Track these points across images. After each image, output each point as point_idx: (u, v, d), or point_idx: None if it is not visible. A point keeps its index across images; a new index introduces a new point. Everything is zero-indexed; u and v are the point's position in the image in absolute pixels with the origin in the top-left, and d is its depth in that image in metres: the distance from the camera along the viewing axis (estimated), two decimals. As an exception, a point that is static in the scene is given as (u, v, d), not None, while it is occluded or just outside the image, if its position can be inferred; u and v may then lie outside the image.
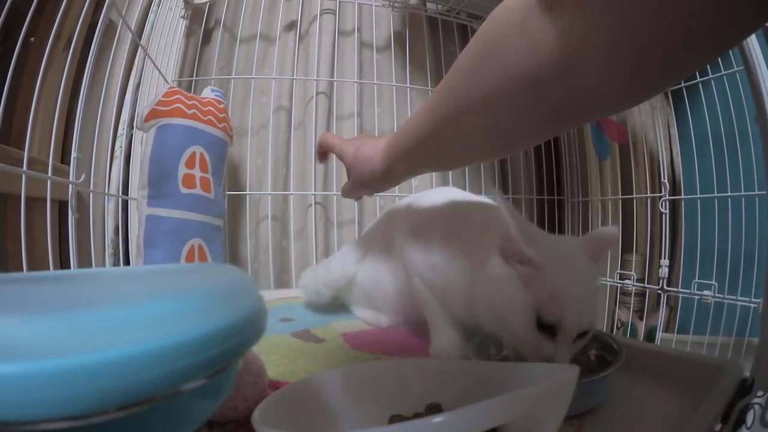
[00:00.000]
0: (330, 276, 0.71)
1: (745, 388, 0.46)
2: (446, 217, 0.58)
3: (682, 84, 1.08)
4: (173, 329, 0.20)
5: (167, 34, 1.02)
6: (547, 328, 0.40)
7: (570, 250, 0.44)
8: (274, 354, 0.53)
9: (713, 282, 0.96)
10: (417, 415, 0.30)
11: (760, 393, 0.46)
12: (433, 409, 0.30)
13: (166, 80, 0.97)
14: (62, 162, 0.75)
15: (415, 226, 0.59)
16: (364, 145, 0.55)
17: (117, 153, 0.93)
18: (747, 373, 0.49)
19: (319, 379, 0.34)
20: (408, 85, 1.16)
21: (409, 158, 0.48)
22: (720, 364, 0.49)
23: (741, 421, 0.46)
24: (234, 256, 1.06)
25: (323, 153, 0.65)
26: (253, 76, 1.07)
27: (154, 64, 0.95)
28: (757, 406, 0.46)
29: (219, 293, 0.24)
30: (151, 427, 0.21)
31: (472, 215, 0.55)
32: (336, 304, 0.74)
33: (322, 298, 0.73)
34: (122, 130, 0.94)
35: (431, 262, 0.53)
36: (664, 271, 1.03)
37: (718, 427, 0.46)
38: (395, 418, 0.30)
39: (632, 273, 1.11)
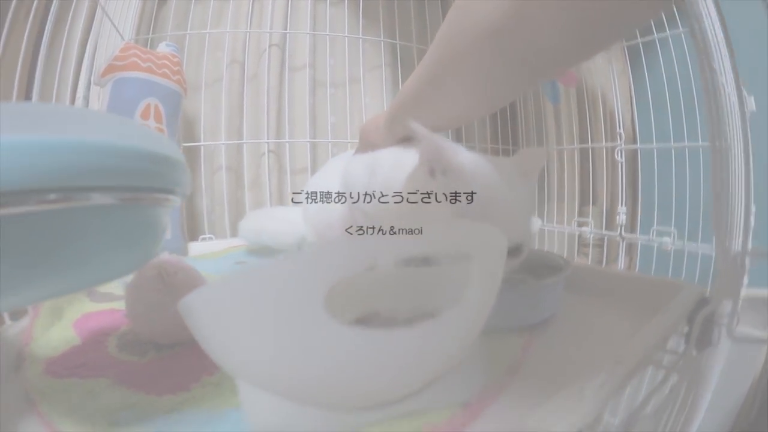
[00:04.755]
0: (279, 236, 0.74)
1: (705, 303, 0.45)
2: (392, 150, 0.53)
3: (638, 39, 1.08)
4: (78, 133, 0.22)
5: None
6: None
7: (498, 164, 0.41)
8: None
9: (673, 229, 0.97)
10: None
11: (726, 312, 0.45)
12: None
13: (122, 38, 0.95)
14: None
15: (364, 158, 0.54)
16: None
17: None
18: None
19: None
20: (360, 36, 1.16)
21: (406, 114, 0.48)
22: (678, 283, 0.49)
23: (707, 340, 0.44)
24: (190, 209, 1.05)
25: None
26: (208, 30, 1.06)
27: (111, 21, 0.93)
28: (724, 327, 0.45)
29: (142, 134, 0.27)
30: (63, 233, 0.23)
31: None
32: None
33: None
34: (80, 92, 0.92)
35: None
36: (622, 218, 1.04)
37: (682, 347, 0.46)
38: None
39: (590, 220, 1.12)
